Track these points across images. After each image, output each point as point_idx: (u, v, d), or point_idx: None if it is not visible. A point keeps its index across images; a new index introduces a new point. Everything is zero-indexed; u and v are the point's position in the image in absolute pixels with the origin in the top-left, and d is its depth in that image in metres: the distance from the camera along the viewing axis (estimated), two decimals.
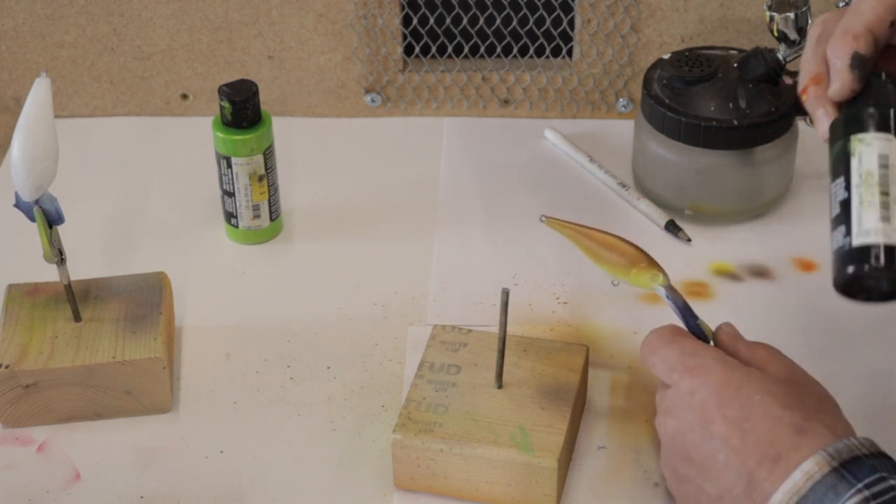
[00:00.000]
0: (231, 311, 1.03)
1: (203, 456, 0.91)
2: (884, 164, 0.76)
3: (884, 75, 0.79)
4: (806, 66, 0.83)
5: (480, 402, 0.88)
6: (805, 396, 0.78)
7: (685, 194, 1.10)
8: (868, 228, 0.75)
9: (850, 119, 0.78)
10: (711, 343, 0.86)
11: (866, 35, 0.79)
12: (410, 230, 1.11)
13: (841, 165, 0.77)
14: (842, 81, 0.79)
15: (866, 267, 0.74)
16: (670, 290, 0.86)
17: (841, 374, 0.95)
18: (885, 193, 0.75)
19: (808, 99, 0.82)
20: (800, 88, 0.82)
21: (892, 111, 0.77)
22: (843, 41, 0.79)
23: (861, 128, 0.77)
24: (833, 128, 0.79)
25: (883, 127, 0.76)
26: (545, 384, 0.89)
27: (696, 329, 0.86)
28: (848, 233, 0.75)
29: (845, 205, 0.76)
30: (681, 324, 0.87)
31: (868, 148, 0.76)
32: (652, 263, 0.87)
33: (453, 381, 0.89)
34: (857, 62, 0.79)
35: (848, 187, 0.76)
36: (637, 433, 0.91)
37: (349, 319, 1.02)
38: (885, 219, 0.74)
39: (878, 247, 0.74)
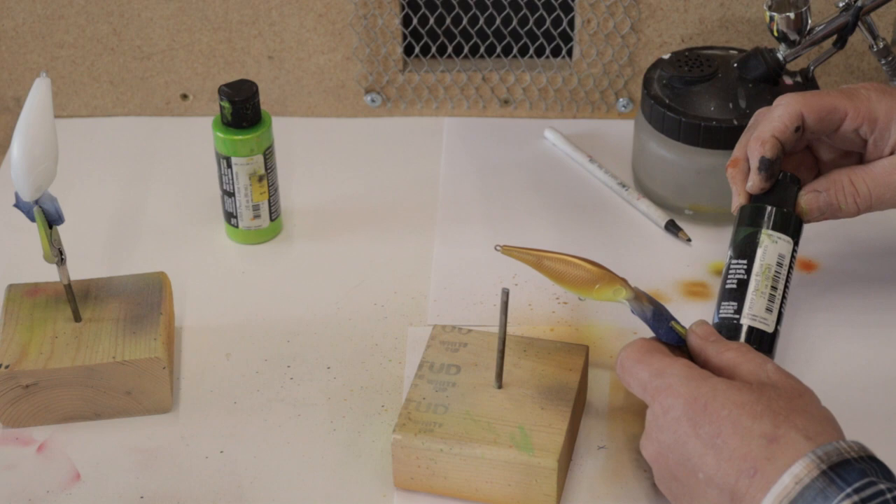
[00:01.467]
0: (231, 311, 1.03)
1: (203, 456, 0.91)
2: (780, 263, 0.93)
3: (789, 177, 0.95)
4: (736, 148, 0.98)
5: (480, 403, 0.88)
6: (775, 400, 0.78)
7: (685, 194, 1.10)
8: (755, 314, 0.92)
9: (756, 211, 0.94)
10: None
11: (772, 141, 0.94)
12: (410, 230, 1.11)
13: (748, 250, 0.94)
14: (753, 181, 0.94)
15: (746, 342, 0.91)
16: (635, 301, 0.86)
17: (840, 374, 0.95)
18: (774, 289, 0.92)
19: (728, 177, 0.97)
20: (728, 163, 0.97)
21: (786, 214, 0.94)
22: (754, 145, 0.94)
23: (767, 223, 0.94)
24: (742, 210, 0.95)
25: (784, 229, 0.94)
26: (545, 384, 0.89)
27: (668, 335, 0.86)
28: (738, 311, 0.92)
29: (742, 285, 0.92)
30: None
31: (773, 245, 0.93)
32: (613, 279, 0.87)
33: (453, 381, 0.89)
34: (764, 165, 0.93)
35: (749, 272, 0.93)
36: (637, 433, 0.91)
37: (349, 319, 1.02)
38: (769, 310, 0.92)
39: (759, 330, 0.91)
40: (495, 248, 0.88)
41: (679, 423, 0.79)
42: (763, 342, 0.91)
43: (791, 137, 0.94)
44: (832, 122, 0.95)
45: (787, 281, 0.94)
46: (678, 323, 0.87)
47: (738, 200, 0.96)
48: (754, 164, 0.94)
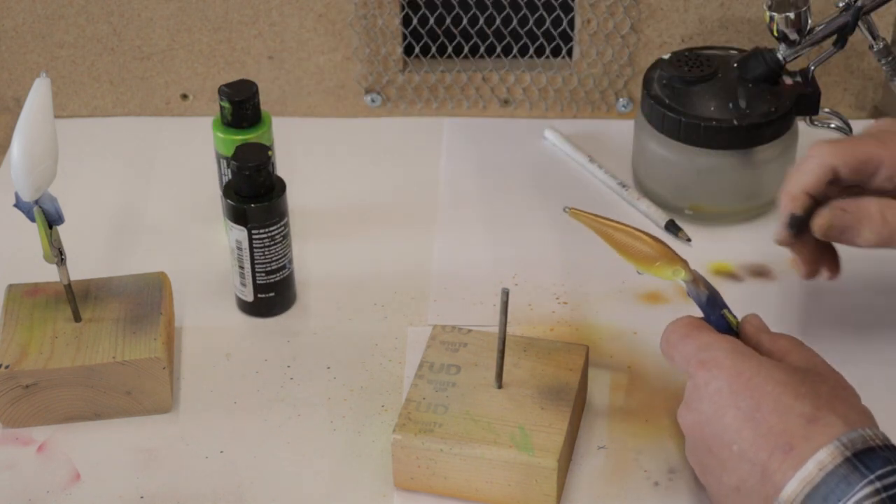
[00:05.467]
0: (231, 311, 1.03)
1: (203, 456, 0.91)
2: (239, 247, 0.99)
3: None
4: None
5: (480, 402, 0.88)
6: (820, 385, 0.79)
7: (685, 194, 1.10)
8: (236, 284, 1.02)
9: None
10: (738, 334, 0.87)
11: (803, 198, 0.90)
12: (410, 230, 1.11)
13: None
14: (780, 234, 0.93)
15: None
16: (692, 283, 0.87)
17: (840, 373, 0.96)
18: (241, 267, 1.00)
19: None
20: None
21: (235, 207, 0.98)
22: (785, 199, 0.91)
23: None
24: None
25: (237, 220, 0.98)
26: (545, 384, 0.89)
27: (718, 322, 0.86)
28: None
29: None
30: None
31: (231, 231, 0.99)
32: (674, 258, 0.87)
33: (453, 381, 0.89)
34: (794, 223, 0.91)
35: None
36: (637, 433, 0.91)
37: (349, 319, 1.02)
38: (244, 284, 1.01)
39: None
40: (564, 210, 0.88)
41: (720, 393, 0.79)
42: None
43: (823, 191, 0.91)
44: (867, 173, 0.91)
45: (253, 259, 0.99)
46: (730, 312, 0.87)
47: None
48: (783, 218, 0.92)
